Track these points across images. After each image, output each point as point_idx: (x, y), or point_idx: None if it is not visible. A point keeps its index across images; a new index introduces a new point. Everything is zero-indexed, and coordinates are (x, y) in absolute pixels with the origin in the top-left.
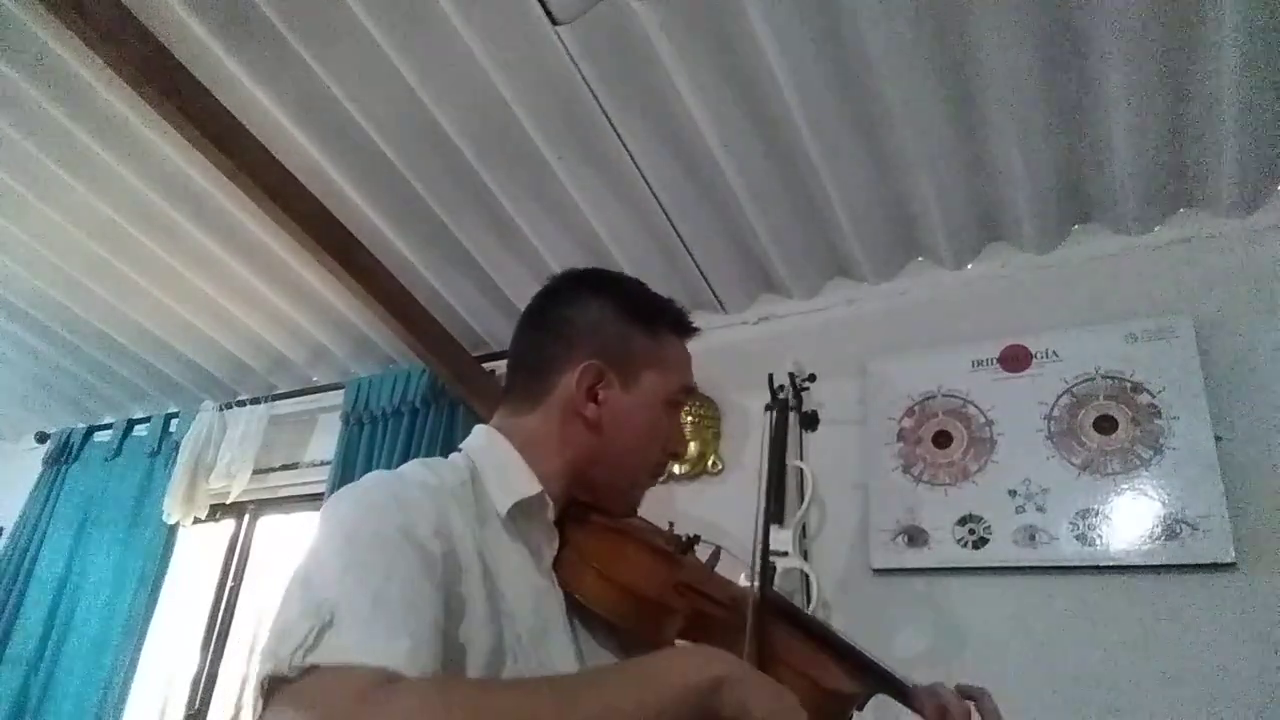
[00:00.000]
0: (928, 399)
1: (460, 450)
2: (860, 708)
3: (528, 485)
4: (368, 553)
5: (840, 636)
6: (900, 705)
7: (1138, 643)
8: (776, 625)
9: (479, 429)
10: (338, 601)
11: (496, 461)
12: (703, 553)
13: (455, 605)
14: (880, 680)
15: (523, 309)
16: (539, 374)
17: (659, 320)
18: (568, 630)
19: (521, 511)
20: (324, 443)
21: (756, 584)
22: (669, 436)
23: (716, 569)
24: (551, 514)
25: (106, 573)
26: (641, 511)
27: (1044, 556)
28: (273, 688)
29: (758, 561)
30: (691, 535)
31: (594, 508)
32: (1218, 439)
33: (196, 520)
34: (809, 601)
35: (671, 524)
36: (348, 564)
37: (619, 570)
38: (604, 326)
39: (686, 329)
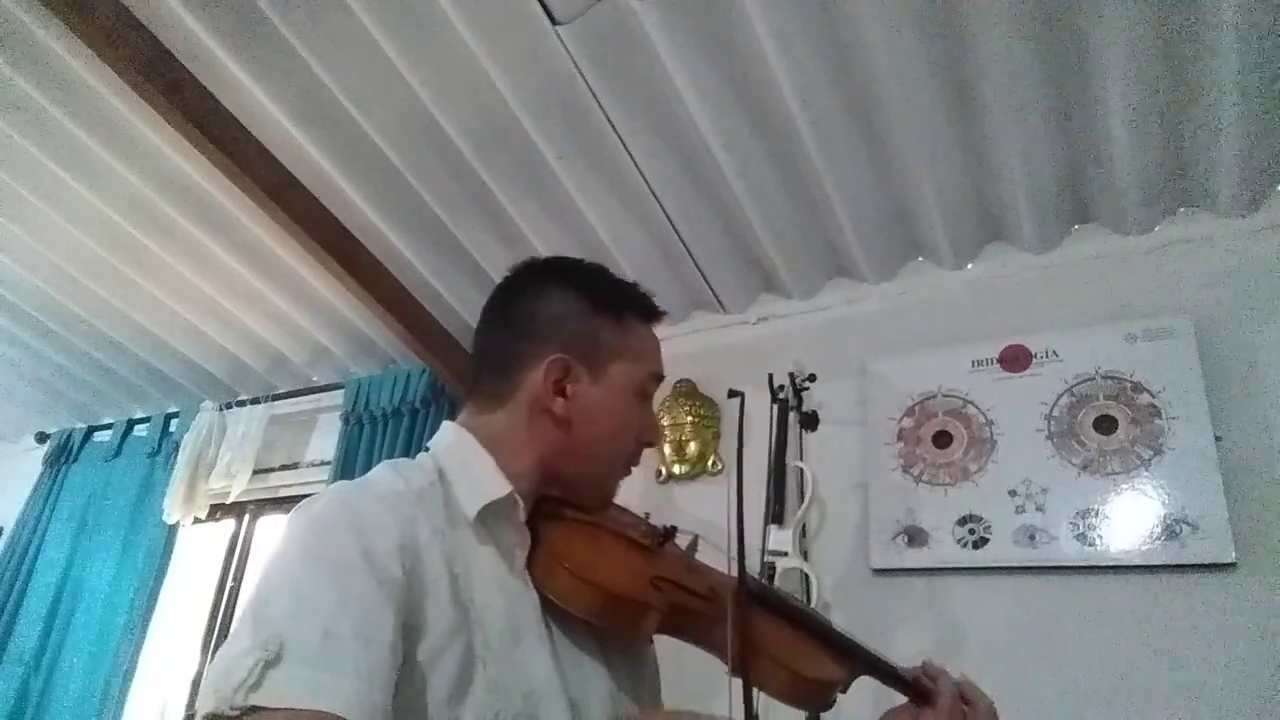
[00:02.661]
0: (928, 399)
1: (428, 449)
2: (844, 690)
3: (496, 486)
4: (322, 580)
5: (821, 619)
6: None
7: (1138, 643)
8: (756, 614)
9: (446, 425)
10: (286, 636)
11: (464, 462)
12: (681, 543)
13: (418, 623)
14: (865, 664)
15: None
16: (504, 371)
17: (625, 308)
18: (542, 632)
19: (491, 513)
20: (324, 443)
21: (736, 577)
22: (642, 426)
23: (697, 557)
24: (522, 514)
25: (106, 572)
26: (641, 514)
27: (1044, 556)
28: None
29: (738, 554)
30: (668, 526)
31: (567, 502)
32: (1218, 439)
33: (196, 520)
34: (809, 602)
35: (648, 514)
36: (301, 593)
37: (591, 568)
38: (568, 319)
39: (652, 313)
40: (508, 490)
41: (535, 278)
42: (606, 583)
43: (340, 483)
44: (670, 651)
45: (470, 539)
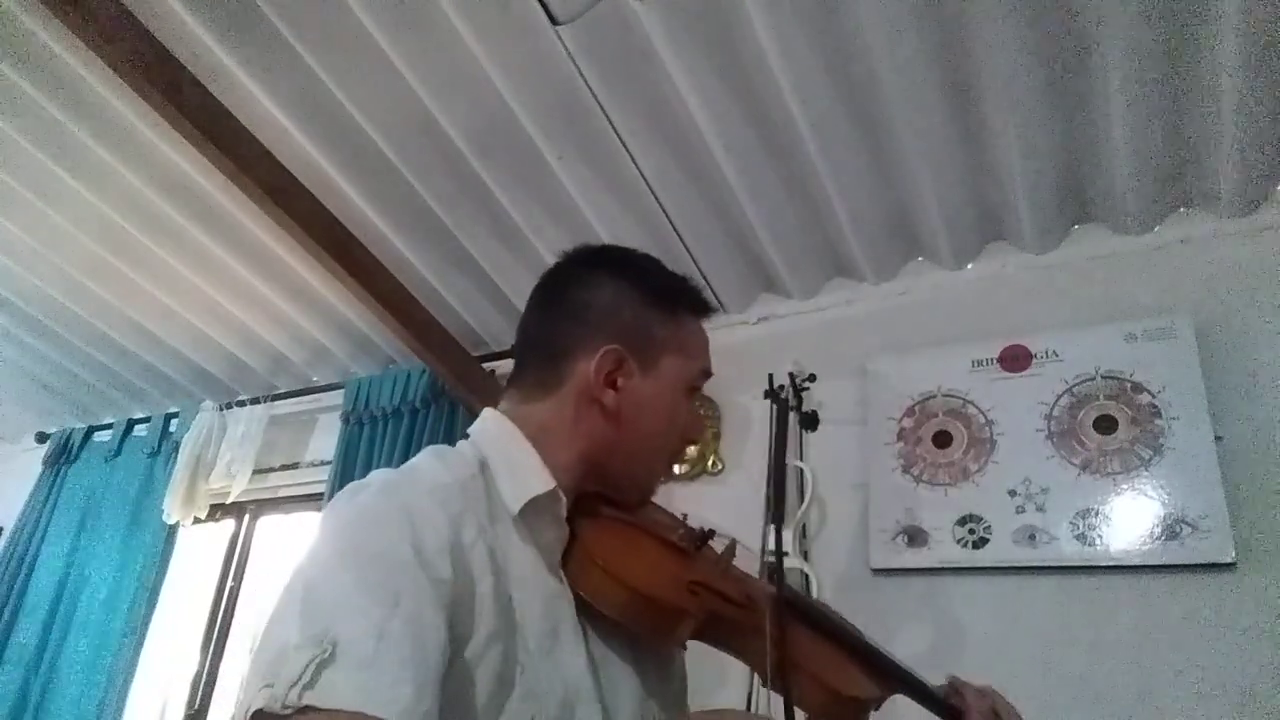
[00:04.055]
0: (928, 399)
1: (468, 437)
2: (876, 708)
3: (540, 481)
4: (374, 576)
5: (858, 634)
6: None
7: (1138, 643)
8: (794, 627)
9: (488, 413)
10: (339, 633)
11: (507, 454)
12: (717, 546)
13: (463, 625)
14: (901, 683)
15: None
16: (553, 360)
17: (677, 301)
18: (578, 633)
19: (533, 508)
20: (324, 443)
21: (772, 585)
22: (688, 423)
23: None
24: (564, 509)
25: (106, 573)
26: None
27: (1044, 556)
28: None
29: (770, 564)
30: (706, 528)
31: (606, 498)
32: (1218, 439)
33: (196, 520)
34: None
35: (685, 515)
36: (352, 588)
37: (627, 569)
38: (621, 309)
39: (704, 308)
40: (552, 485)
41: (588, 266)
42: (642, 585)
43: (385, 472)
44: (708, 655)
45: (511, 534)
